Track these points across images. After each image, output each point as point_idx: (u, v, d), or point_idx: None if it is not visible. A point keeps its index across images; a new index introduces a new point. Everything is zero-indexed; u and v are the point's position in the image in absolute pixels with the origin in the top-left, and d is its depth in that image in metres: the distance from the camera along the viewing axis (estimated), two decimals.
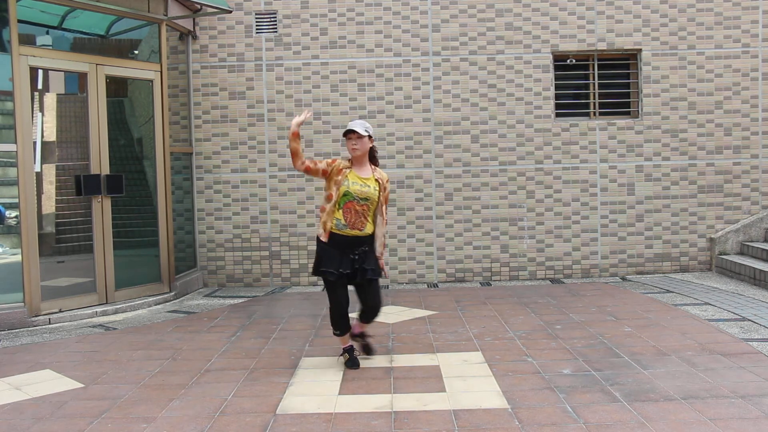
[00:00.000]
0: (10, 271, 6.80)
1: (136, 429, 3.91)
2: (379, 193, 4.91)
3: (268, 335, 6.04)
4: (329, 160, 4.93)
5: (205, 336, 6.08)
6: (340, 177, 4.83)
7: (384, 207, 4.98)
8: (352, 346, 5.08)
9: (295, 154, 4.81)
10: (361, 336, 5.23)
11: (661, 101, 8.63)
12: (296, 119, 4.82)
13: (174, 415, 4.12)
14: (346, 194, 4.80)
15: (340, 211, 4.81)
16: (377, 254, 4.99)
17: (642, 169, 8.66)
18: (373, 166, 4.99)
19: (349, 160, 4.94)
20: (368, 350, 5.26)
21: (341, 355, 5.09)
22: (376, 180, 4.92)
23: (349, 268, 4.82)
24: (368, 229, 4.88)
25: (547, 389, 4.39)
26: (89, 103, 7.21)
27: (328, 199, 4.86)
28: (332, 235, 4.84)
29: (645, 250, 8.69)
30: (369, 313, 5.04)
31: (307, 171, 4.87)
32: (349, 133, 4.86)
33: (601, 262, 8.68)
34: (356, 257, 4.84)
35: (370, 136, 4.89)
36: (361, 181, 4.85)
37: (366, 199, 4.83)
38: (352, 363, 4.98)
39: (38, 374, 5.01)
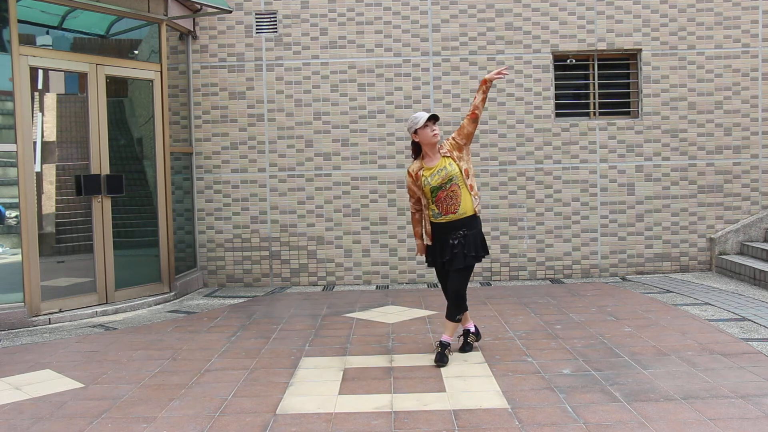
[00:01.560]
0: (10, 271, 6.80)
1: (136, 429, 3.91)
2: (457, 165, 4.86)
3: (268, 335, 6.05)
4: (409, 180, 5.02)
5: (205, 336, 6.08)
6: (419, 182, 4.93)
7: (470, 173, 4.92)
8: (468, 330, 5.24)
9: (416, 224, 5.15)
10: (441, 345, 5.05)
11: (661, 101, 8.63)
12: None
13: (174, 415, 4.12)
14: (432, 190, 4.88)
15: (434, 203, 4.90)
16: (478, 239, 4.97)
17: (642, 169, 8.66)
18: (437, 147, 4.97)
19: (418, 162, 4.99)
20: (464, 348, 5.29)
21: (459, 336, 5.28)
22: (444, 156, 4.90)
23: (447, 255, 4.89)
24: (463, 209, 4.87)
25: (547, 389, 4.39)
26: (89, 103, 7.21)
27: (418, 202, 5.04)
28: (432, 226, 4.96)
29: (645, 250, 8.69)
30: (449, 300, 5.02)
31: (418, 203, 5.08)
32: (429, 120, 4.88)
33: (601, 262, 8.69)
34: (456, 242, 4.87)
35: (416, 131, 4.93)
36: (434, 170, 4.87)
37: (450, 179, 4.84)
38: (462, 348, 5.22)
39: (38, 374, 5.01)
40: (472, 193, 4.92)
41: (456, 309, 5.01)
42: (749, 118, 8.65)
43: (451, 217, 4.87)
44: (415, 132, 4.94)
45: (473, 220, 4.95)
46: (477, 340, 5.36)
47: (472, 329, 5.32)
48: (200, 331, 6.30)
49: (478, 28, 8.60)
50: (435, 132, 4.87)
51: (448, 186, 4.83)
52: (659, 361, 4.90)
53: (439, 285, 5.16)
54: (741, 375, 4.55)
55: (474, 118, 4.92)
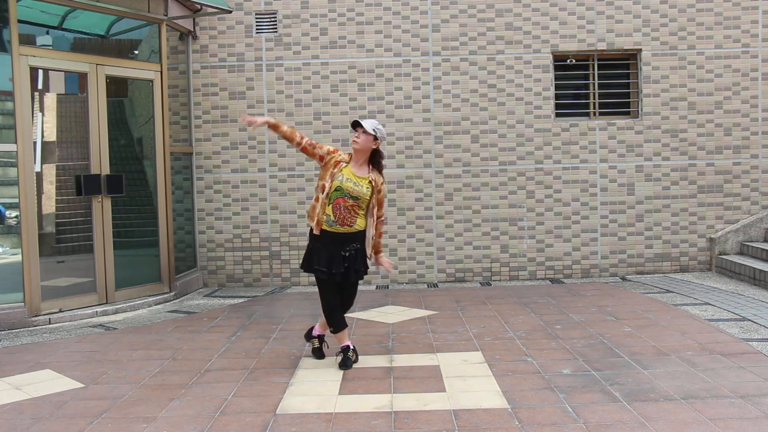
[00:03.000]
0: (10, 271, 6.80)
1: (136, 429, 3.91)
2: (372, 195, 4.87)
3: (268, 335, 6.05)
4: (331, 149, 4.94)
5: (205, 336, 6.08)
6: (335, 170, 4.82)
7: (376, 209, 4.93)
8: (348, 345, 5.03)
9: (287, 138, 4.93)
10: (320, 338, 5.26)
11: (661, 101, 8.63)
12: (258, 119, 4.99)
13: (174, 415, 4.12)
14: (337, 189, 4.78)
15: (330, 206, 4.80)
16: (367, 254, 4.96)
17: (642, 169, 8.66)
18: (371, 167, 4.92)
19: (349, 154, 4.92)
20: (319, 354, 5.25)
21: (337, 354, 5.06)
22: (370, 182, 4.85)
23: (341, 268, 4.81)
24: (359, 225, 4.86)
25: (547, 389, 4.39)
26: (89, 103, 7.21)
27: (321, 189, 4.83)
28: (323, 232, 4.84)
29: (645, 250, 8.69)
30: (337, 313, 5.00)
31: (304, 151, 4.92)
32: (356, 126, 4.85)
33: (601, 262, 8.69)
34: (347, 255, 4.83)
35: (375, 137, 4.83)
36: (356, 179, 4.81)
37: (356, 198, 4.79)
38: (343, 363, 4.95)
39: (38, 374, 5.01)
40: (374, 222, 4.91)
41: (340, 318, 4.99)
42: (749, 118, 8.65)
43: (346, 229, 4.81)
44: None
45: (363, 237, 4.92)
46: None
47: (351, 345, 5.14)
48: (200, 331, 6.30)
49: (478, 28, 8.60)
50: (355, 139, 4.82)
51: (350, 200, 4.77)
52: (659, 361, 4.90)
53: (326, 299, 4.94)
54: (741, 375, 4.55)
55: (381, 224, 5.03)
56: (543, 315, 6.53)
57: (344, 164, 4.85)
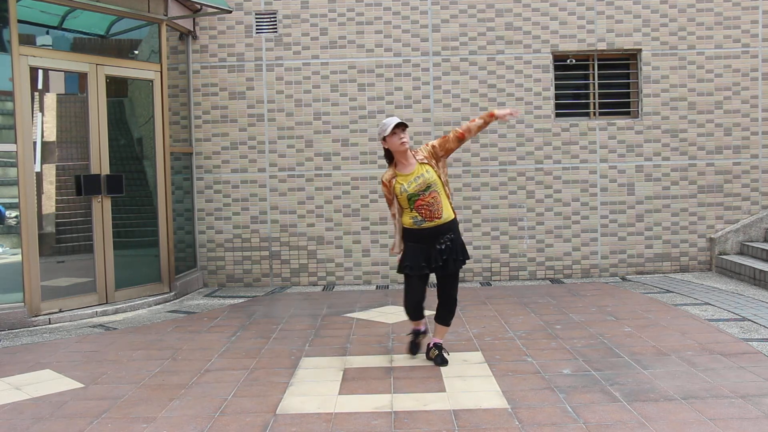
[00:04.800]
0: (10, 271, 6.80)
1: (136, 429, 3.91)
2: (435, 171, 4.74)
3: (268, 335, 6.05)
4: (384, 190, 4.86)
5: (205, 336, 6.08)
6: (396, 189, 4.76)
7: (446, 178, 4.81)
8: (418, 330, 5.09)
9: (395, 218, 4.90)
10: (438, 347, 5.02)
11: (661, 101, 8.63)
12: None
13: (174, 415, 4.12)
14: (410, 197, 4.70)
15: (414, 210, 4.72)
16: (461, 244, 4.86)
17: (642, 169, 8.66)
18: (411, 153, 4.79)
19: (392, 168, 4.82)
20: (415, 349, 5.22)
21: (408, 333, 5.17)
22: (420, 162, 4.74)
23: (439, 261, 4.74)
24: (447, 215, 4.75)
25: (547, 389, 4.39)
26: (89, 103, 7.21)
27: (399, 212, 4.82)
28: (413, 232, 4.76)
29: (645, 250, 8.69)
30: (445, 306, 4.94)
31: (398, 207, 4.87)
32: (396, 128, 4.68)
33: (601, 262, 8.69)
34: (443, 247, 4.74)
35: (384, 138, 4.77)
36: (411, 176, 4.70)
37: (428, 187, 4.69)
38: (412, 346, 5.12)
39: (38, 374, 5.01)
40: (450, 200, 4.84)
41: (451, 314, 4.99)
42: (749, 118, 8.65)
43: (436, 222, 4.71)
44: (384, 139, 4.75)
45: (455, 225, 4.85)
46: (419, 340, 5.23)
47: (423, 329, 5.21)
48: (200, 331, 6.30)
49: (478, 28, 8.60)
50: (403, 140, 4.68)
51: (427, 193, 4.67)
52: (659, 361, 4.90)
53: (408, 294, 4.90)
54: (741, 375, 4.55)
55: (461, 139, 4.79)
56: (543, 315, 6.53)
57: (394, 179, 4.78)
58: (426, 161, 4.75)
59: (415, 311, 4.97)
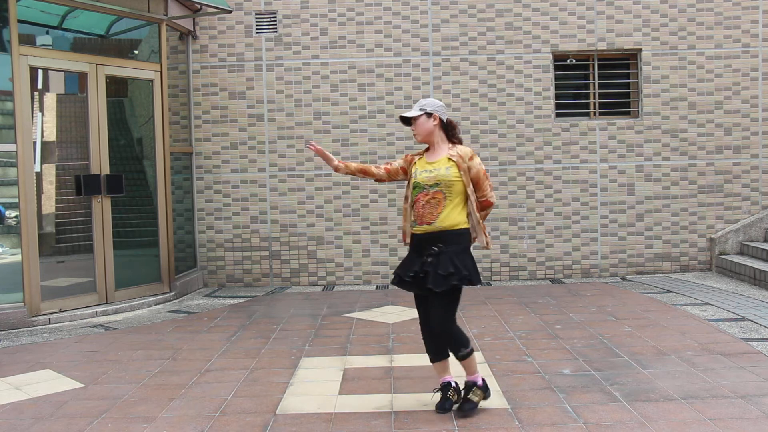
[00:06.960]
0: (10, 271, 6.80)
1: (136, 429, 3.91)
2: (458, 173, 3.96)
3: (268, 335, 6.04)
4: (408, 156, 4.23)
5: (205, 336, 6.08)
6: (411, 169, 4.12)
7: (472, 188, 4.01)
8: (449, 382, 4.07)
9: (365, 174, 4.25)
10: (455, 389, 4.08)
11: (661, 101, 8.63)
12: (327, 154, 4.26)
13: (174, 415, 4.12)
14: (415, 186, 4.04)
15: (413, 206, 4.06)
16: (482, 244, 4.07)
17: (642, 169, 8.66)
18: (450, 145, 4.10)
19: (426, 149, 4.20)
20: (443, 407, 4.05)
21: (435, 390, 4.17)
22: (449, 158, 4.01)
23: (412, 272, 3.96)
24: (441, 222, 3.93)
25: (547, 389, 4.39)
26: (89, 103, 7.21)
27: (406, 199, 4.14)
28: (411, 234, 4.09)
29: (645, 250, 8.69)
30: (431, 333, 4.05)
31: (390, 176, 4.25)
32: (405, 122, 4.17)
33: (601, 262, 8.68)
34: (429, 259, 3.91)
35: (428, 114, 4.06)
36: (429, 166, 4.04)
37: (435, 184, 3.95)
38: (440, 406, 4.03)
39: (38, 374, 5.01)
40: (476, 205, 4.05)
41: (445, 343, 4.02)
42: (749, 118, 8.65)
43: (425, 228, 3.96)
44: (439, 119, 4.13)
45: (457, 237, 3.97)
46: (476, 396, 4.04)
47: (453, 383, 4.11)
48: (200, 331, 6.30)
49: (478, 28, 8.60)
50: (413, 133, 4.16)
51: (431, 190, 3.96)
52: (659, 361, 4.90)
53: (418, 309, 4.14)
54: (741, 375, 4.55)
55: (486, 205, 4.13)
56: (543, 315, 6.53)
57: (418, 157, 4.16)
58: (455, 158, 4.01)
59: (427, 344, 4.11)
